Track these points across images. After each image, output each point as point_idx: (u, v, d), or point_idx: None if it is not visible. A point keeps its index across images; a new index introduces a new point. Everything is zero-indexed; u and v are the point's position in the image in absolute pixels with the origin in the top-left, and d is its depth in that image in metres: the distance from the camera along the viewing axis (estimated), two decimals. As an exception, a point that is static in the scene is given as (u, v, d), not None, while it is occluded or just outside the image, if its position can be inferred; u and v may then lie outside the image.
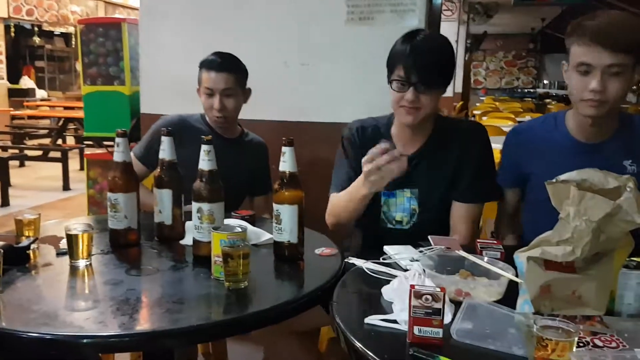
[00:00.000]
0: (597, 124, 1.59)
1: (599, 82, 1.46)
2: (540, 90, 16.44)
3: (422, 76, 1.60)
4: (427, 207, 1.74)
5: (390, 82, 1.66)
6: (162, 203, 1.58)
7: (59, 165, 6.36)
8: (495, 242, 1.44)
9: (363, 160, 1.53)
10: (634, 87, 10.20)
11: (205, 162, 1.44)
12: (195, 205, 1.44)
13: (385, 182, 1.54)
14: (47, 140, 8.22)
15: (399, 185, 1.73)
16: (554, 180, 1.10)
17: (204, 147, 1.44)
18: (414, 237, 1.62)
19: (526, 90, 17.30)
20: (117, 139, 1.50)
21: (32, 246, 1.43)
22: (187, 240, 1.55)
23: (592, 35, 1.46)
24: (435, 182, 1.73)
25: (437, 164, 1.73)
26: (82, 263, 1.37)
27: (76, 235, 1.36)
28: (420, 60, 1.60)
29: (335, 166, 1.84)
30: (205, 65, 2.08)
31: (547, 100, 11.02)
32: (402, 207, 1.75)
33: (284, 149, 1.44)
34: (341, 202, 1.72)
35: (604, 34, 1.45)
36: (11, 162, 6.10)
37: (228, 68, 2.06)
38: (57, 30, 13.72)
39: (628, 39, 1.46)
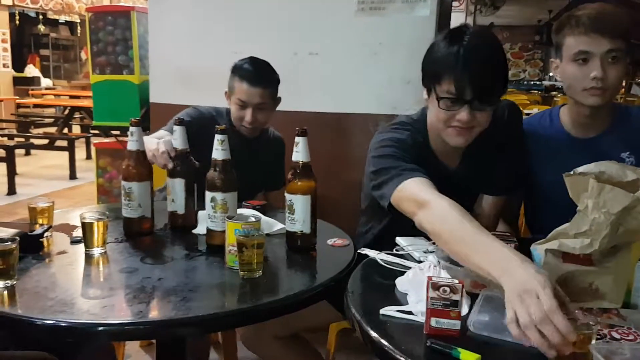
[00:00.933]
0: (594, 116, 1.59)
1: (601, 68, 1.48)
2: (546, 83, 16.33)
3: (479, 92, 1.33)
4: (474, 212, 1.64)
5: (437, 98, 1.38)
6: (175, 192, 1.58)
7: (65, 154, 6.36)
8: (508, 233, 1.44)
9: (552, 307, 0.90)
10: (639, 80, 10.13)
11: (218, 151, 1.44)
12: (208, 195, 1.44)
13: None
14: (52, 129, 8.22)
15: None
16: (572, 172, 1.10)
17: (217, 137, 1.43)
18: None
19: (532, 82, 17.17)
20: (132, 128, 1.50)
21: (46, 234, 1.44)
22: (200, 230, 1.56)
23: (589, 24, 1.49)
24: (475, 189, 1.66)
25: (479, 167, 1.58)
26: (97, 251, 1.38)
27: (91, 224, 1.36)
28: (476, 72, 1.32)
29: (385, 162, 1.44)
30: (239, 74, 1.97)
31: (554, 93, 10.94)
32: None
33: (297, 139, 1.44)
34: (453, 233, 1.16)
35: (600, 21, 1.48)
36: (17, 151, 6.11)
37: (263, 82, 1.96)
38: (62, 18, 13.69)
39: (621, 25, 1.49)
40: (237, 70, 1.98)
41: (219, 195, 1.43)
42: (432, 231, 1.24)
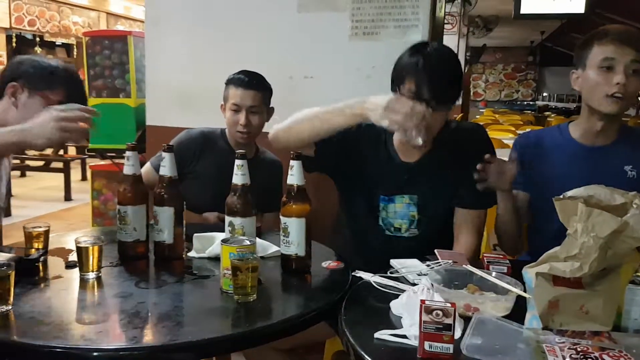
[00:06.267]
0: (606, 127, 1.68)
1: (623, 75, 1.58)
2: (539, 103, 16.49)
3: (435, 91, 1.52)
4: (427, 214, 1.72)
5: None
6: (163, 221, 1.52)
7: (61, 175, 6.37)
8: (501, 256, 1.45)
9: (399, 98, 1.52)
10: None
11: (238, 176, 1.47)
12: (227, 219, 1.47)
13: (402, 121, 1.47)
14: (48, 151, 8.21)
15: (398, 191, 1.73)
16: (561, 196, 1.11)
17: (237, 162, 1.47)
18: (414, 245, 1.62)
19: (525, 102, 17.34)
20: (128, 153, 1.51)
21: (42, 258, 1.44)
22: (195, 253, 1.56)
23: (616, 34, 1.61)
24: (436, 188, 1.71)
25: (438, 171, 1.71)
26: (92, 275, 1.38)
27: (86, 248, 1.37)
28: (433, 73, 1.53)
29: None
30: (233, 82, 2.12)
31: (547, 113, 11.06)
32: (401, 213, 1.74)
33: (292, 162, 1.46)
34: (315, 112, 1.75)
35: (626, 33, 1.61)
36: (12, 172, 6.10)
37: (256, 86, 2.11)
38: (59, 41, 13.76)
39: None
40: (231, 80, 2.14)
41: (236, 220, 1.46)
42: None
